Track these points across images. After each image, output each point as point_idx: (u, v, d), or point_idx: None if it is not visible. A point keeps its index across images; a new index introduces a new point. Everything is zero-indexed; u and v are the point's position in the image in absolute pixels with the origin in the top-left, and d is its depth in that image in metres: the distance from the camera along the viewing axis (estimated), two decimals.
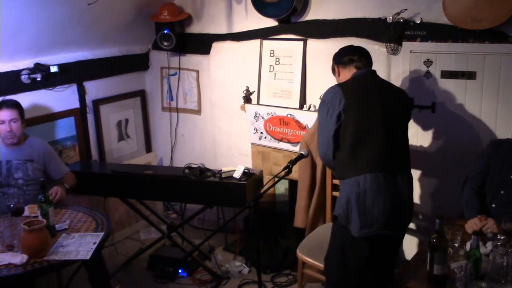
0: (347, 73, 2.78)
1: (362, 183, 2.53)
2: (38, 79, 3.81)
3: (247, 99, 4.16)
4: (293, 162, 2.65)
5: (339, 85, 2.69)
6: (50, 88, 3.98)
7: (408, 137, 2.80)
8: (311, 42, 3.84)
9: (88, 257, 2.66)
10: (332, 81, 2.92)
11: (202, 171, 3.72)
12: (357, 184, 2.54)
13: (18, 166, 3.38)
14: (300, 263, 3.26)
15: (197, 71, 4.61)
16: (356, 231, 2.56)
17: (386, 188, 2.55)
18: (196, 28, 4.49)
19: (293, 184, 4.16)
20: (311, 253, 3.18)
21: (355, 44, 3.01)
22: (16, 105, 3.37)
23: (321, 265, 3.02)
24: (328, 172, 3.52)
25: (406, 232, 2.94)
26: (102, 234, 2.89)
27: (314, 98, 3.81)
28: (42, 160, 3.46)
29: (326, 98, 2.65)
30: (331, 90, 2.67)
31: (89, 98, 4.34)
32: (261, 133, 4.12)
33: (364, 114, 2.58)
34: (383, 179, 2.54)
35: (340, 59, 2.83)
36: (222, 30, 4.33)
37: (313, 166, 3.61)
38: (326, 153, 2.69)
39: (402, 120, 2.74)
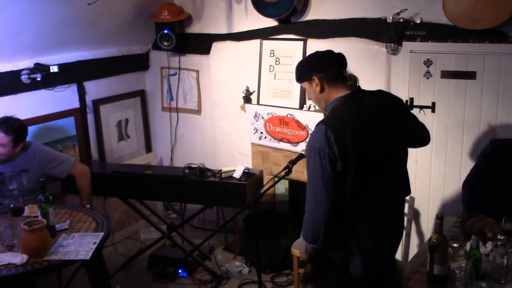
0: (333, 93, 2.28)
1: (363, 233, 2.26)
2: (38, 79, 3.81)
3: (247, 99, 4.16)
4: (293, 162, 2.64)
5: (327, 124, 2.17)
6: (50, 88, 3.98)
7: (406, 150, 2.41)
8: (311, 42, 3.84)
9: (88, 257, 2.66)
10: None
11: (202, 171, 3.72)
12: (357, 233, 2.26)
13: (11, 177, 3.31)
14: (296, 261, 3.26)
15: (197, 71, 4.61)
16: (359, 272, 2.30)
17: (387, 228, 2.34)
18: (196, 28, 4.49)
19: (293, 184, 4.16)
20: None
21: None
22: (12, 131, 3.19)
23: None
24: None
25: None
26: (102, 234, 2.89)
27: None
28: (39, 168, 3.36)
29: (316, 144, 2.16)
30: (319, 132, 2.16)
31: (89, 98, 4.34)
32: (261, 133, 4.12)
33: (362, 157, 2.17)
34: (384, 222, 2.31)
35: (326, 72, 2.27)
36: (222, 30, 4.33)
37: None
38: (323, 206, 2.18)
39: (399, 134, 2.35)
